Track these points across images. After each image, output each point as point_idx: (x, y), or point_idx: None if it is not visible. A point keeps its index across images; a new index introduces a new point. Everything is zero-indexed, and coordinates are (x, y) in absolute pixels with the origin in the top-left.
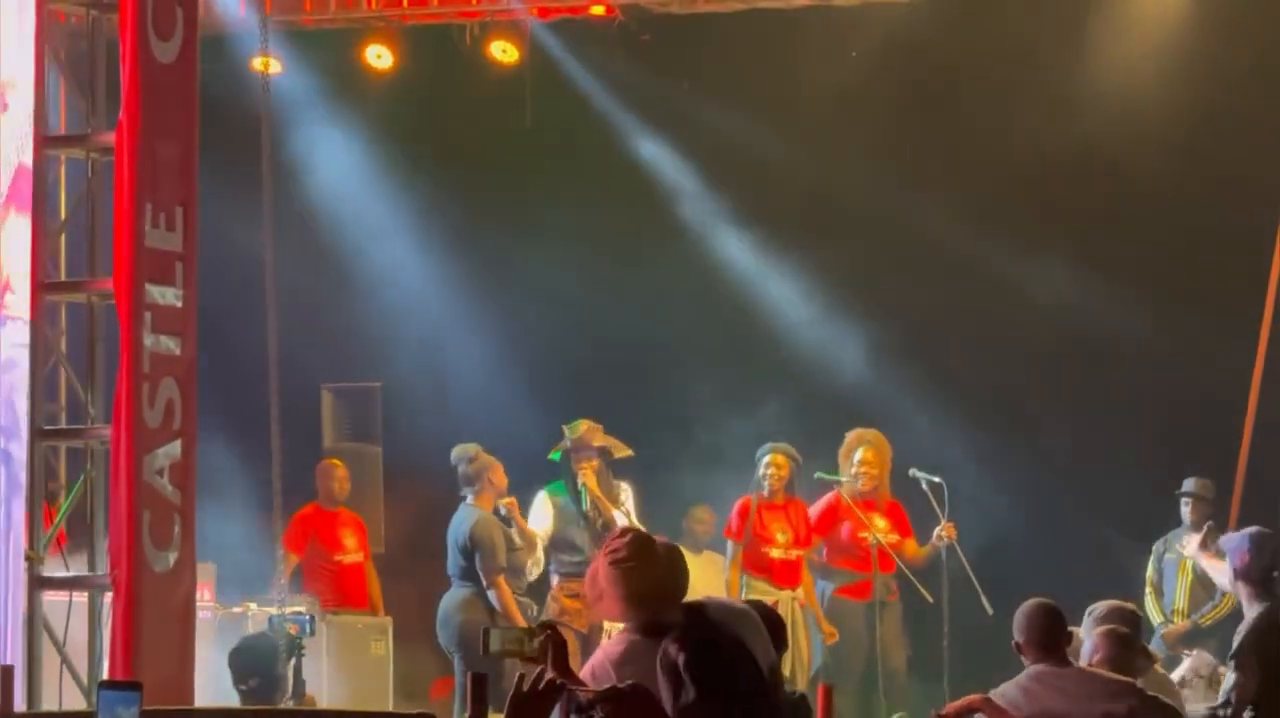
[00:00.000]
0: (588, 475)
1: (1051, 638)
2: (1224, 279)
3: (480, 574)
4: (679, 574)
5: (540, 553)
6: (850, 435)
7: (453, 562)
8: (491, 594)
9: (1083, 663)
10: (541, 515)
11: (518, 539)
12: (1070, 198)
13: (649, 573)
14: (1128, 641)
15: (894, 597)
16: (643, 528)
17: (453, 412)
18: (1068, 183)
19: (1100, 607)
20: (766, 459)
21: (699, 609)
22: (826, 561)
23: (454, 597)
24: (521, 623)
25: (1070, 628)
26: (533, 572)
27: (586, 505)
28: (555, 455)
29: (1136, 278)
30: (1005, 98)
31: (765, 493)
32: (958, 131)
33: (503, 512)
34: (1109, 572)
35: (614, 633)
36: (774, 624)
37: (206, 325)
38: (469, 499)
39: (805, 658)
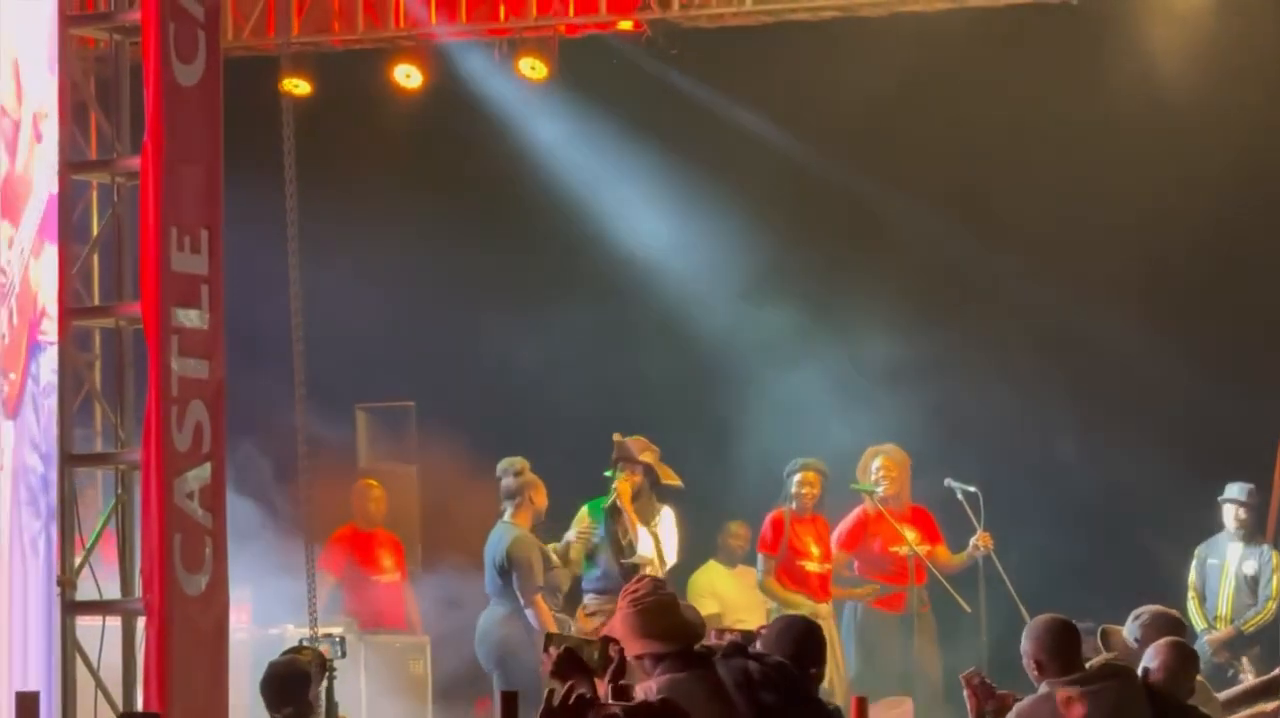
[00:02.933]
0: (622, 485)
1: (1073, 652)
2: (1264, 285)
3: (517, 593)
4: (696, 613)
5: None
6: (867, 451)
7: (490, 580)
8: (530, 613)
9: (1139, 668)
10: (578, 526)
11: (554, 557)
12: (1110, 208)
13: (673, 608)
14: (1192, 656)
15: (926, 608)
16: (665, 551)
17: (488, 430)
18: (1108, 191)
19: (1145, 612)
20: (798, 477)
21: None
22: (859, 574)
23: (492, 615)
24: None
25: (1112, 626)
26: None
27: (607, 502)
28: (609, 472)
29: (1175, 286)
30: (1038, 107)
31: (796, 508)
32: (992, 142)
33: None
34: (1149, 578)
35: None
36: (817, 641)
37: (241, 348)
38: (506, 515)
39: (843, 670)
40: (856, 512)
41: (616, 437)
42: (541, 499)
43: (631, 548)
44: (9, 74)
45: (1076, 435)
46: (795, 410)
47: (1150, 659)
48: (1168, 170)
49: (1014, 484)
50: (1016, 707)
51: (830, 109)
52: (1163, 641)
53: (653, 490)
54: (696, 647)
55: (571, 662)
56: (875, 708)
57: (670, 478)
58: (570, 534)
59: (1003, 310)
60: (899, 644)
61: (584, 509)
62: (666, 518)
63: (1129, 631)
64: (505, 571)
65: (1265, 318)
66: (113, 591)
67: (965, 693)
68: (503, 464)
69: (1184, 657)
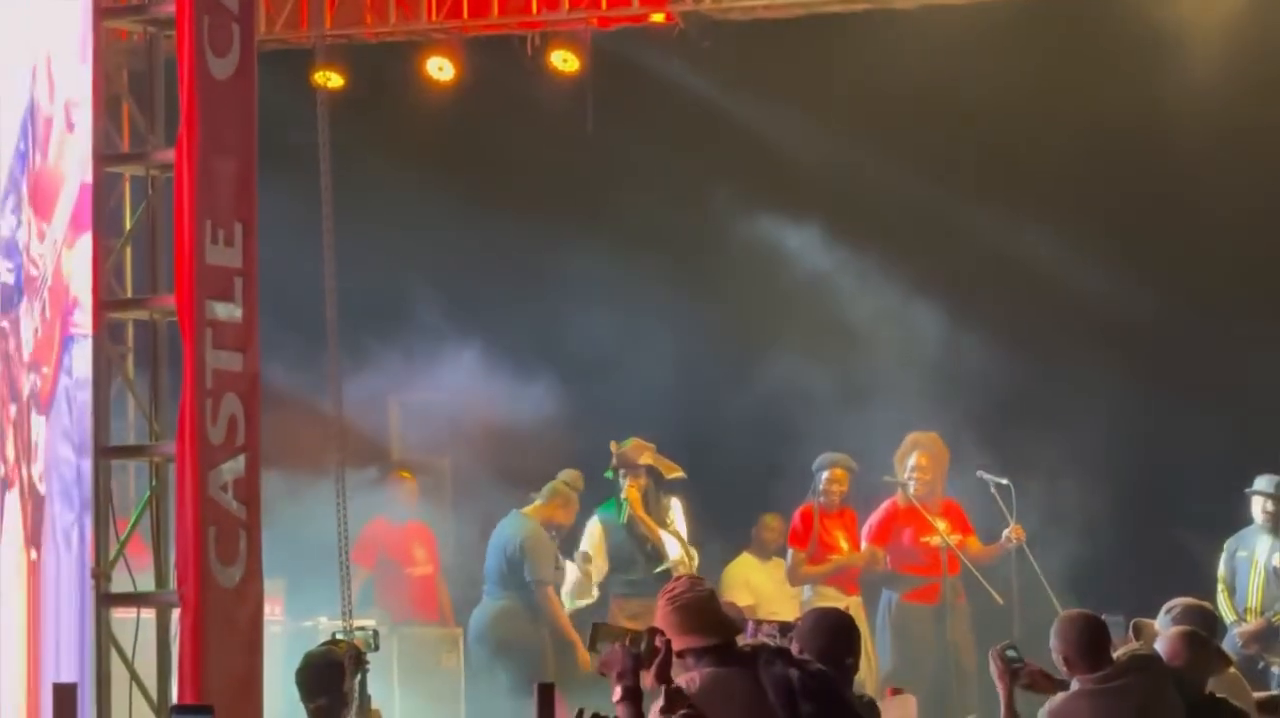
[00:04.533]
0: (631, 493)
1: (1101, 648)
2: None
3: (529, 584)
4: (735, 608)
5: (593, 579)
6: (907, 439)
7: (494, 568)
8: (542, 603)
9: None
10: (592, 539)
11: (560, 559)
12: (1149, 201)
13: (711, 602)
14: (1203, 643)
15: (961, 599)
16: (692, 549)
17: (521, 422)
18: (1140, 184)
19: (1177, 605)
20: (826, 474)
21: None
22: (891, 567)
23: (489, 609)
24: (570, 632)
25: (1145, 621)
26: (593, 592)
27: (623, 518)
28: (610, 473)
29: (1210, 275)
30: (1072, 102)
31: (824, 504)
32: (1021, 137)
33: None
34: (1180, 570)
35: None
36: (852, 633)
37: (276, 340)
38: (525, 507)
39: (874, 662)
40: (887, 504)
41: (613, 445)
42: (566, 518)
43: (660, 554)
44: (42, 72)
45: (1109, 427)
46: (831, 402)
47: (1171, 659)
48: (1200, 166)
49: (1047, 477)
50: (1049, 704)
51: (861, 101)
52: (1171, 631)
53: (657, 488)
54: (740, 643)
55: (623, 653)
56: (881, 706)
57: (673, 471)
58: (586, 546)
59: (1041, 300)
60: (934, 636)
61: (596, 522)
62: (676, 511)
63: (1161, 623)
64: (516, 561)
65: None
66: (147, 583)
67: (992, 668)
68: (566, 473)
69: (1194, 644)
